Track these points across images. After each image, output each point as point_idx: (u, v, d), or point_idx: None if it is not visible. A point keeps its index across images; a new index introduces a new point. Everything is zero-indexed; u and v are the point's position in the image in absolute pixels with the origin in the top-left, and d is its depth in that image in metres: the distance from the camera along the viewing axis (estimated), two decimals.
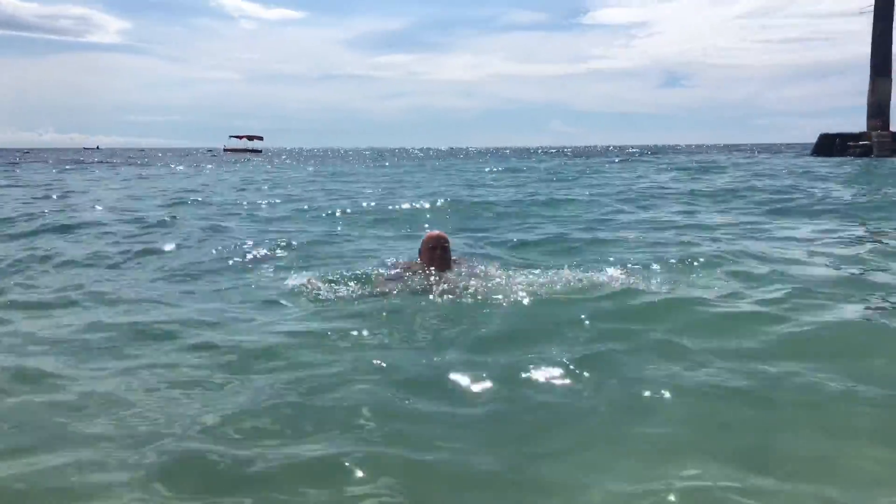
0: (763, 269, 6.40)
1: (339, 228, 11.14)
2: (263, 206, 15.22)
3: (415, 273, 5.79)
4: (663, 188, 18.94)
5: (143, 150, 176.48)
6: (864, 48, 43.14)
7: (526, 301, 5.02)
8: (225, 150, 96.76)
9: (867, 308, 5.15)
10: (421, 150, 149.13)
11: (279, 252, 8.01)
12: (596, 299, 5.06)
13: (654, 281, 5.68)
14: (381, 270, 6.13)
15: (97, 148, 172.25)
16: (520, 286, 5.32)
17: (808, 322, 4.58)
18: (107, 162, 51.90)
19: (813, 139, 45.43)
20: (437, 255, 5.79)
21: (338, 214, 13.08)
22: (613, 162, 38.99)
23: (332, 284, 5.70)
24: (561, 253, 7.93)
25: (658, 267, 6.38)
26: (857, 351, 4.06)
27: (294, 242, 8.70)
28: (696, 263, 6.55)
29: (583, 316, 4.62)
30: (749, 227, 10.14)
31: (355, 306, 5.14)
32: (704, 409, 3.32)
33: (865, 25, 42.98)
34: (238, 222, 11.98)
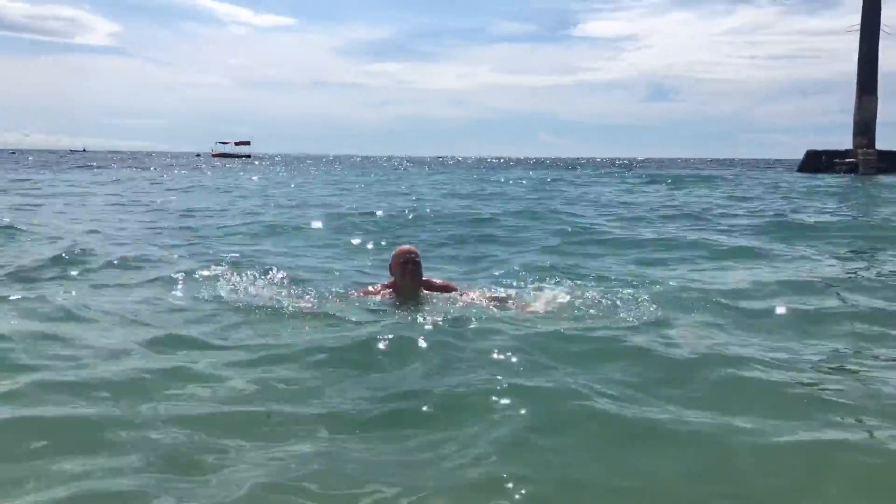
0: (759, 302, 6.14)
1: (317, 242, 10.76)
2: (239, 214, 14.85)
3: (382, 293, 5.79)
4: (650, 203, 18.79)
5: (124, 152, 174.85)
6: (851, 66, 43.49)
7: (492, 327, 4.82)
8: (213, 154, 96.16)
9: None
10: (408, 158, 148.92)
11: (241, 266, 7.54)
12: (558, 325, 4.88)
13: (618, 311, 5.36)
14: (349, 290, 6.05)
15: (83, 150, 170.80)
16: (491, 312, 5.25)
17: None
18: (83, 166, 51.15)
19: (798, 155, 45.89)
20: (409, 269, 5.72)
21: (315, 226, 12.72)
22: (598, 173, 38.72)
23: (291, 305, 5.50)
24: (549, 272, 7.42)
25: (630, 294, 5.91)
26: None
27: (266, 260, 8.29)
28: (679, 294, 6.23)
29: (540, 344, 4.43)
30: (744, 250, 9.77)
31: (318, 328, 4.92)
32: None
33: (852, 44, 43.34)
34: (206, 233, 11.56)
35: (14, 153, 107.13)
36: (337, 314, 5.18)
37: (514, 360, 4.11)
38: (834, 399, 3.63)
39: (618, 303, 5.50)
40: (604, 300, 5.53)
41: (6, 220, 11.27)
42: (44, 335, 4.62)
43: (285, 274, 6.73)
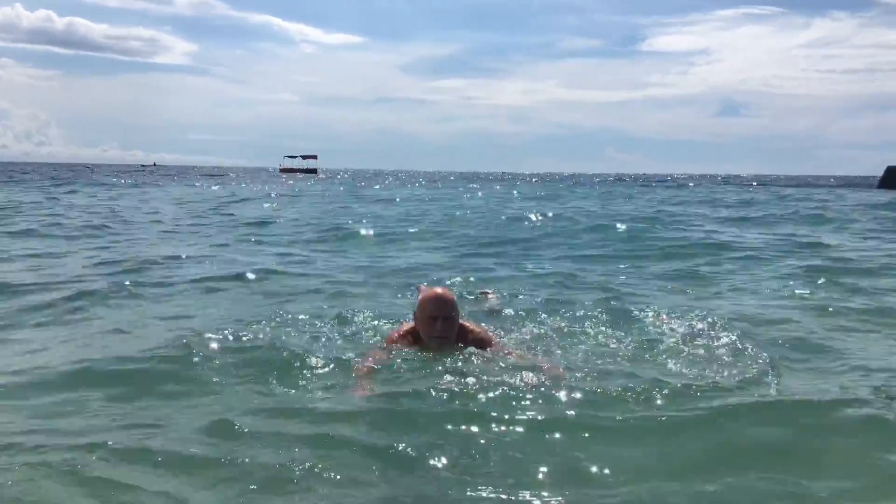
0: None
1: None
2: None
3: (400, 346, 4.34)
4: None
5: (195, 167, 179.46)
6: None
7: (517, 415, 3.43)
8: (280, 169, 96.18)
9: None
10: (471, 173, 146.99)
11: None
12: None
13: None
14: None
15: (154, 164, 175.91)
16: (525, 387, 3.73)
17: None
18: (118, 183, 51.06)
19: (876, 171, 45.51)
20: (438, 328, 4.21)
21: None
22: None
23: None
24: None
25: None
26: None
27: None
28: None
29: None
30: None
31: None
32: None
33: None
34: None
35: (89, 167, 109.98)
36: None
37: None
38: None
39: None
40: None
41: None
42: None
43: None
